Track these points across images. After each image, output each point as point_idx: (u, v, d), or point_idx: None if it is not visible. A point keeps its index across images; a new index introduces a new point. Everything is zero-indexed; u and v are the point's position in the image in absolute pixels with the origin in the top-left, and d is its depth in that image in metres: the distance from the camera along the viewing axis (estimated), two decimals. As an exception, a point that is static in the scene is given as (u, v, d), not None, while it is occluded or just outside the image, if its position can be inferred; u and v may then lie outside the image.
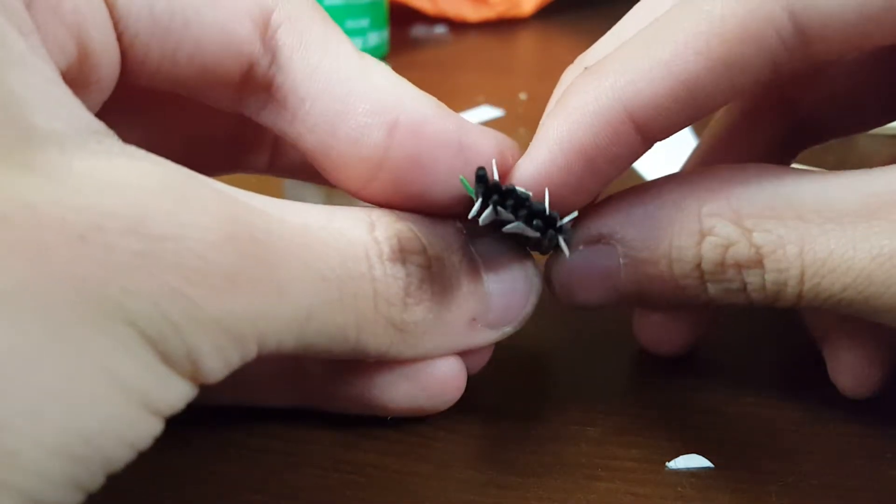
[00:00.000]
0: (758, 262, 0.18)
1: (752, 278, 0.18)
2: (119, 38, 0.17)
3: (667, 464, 0.19)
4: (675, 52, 0.17)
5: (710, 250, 0.18)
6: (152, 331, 0.13)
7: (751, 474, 0.19)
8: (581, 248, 0.19)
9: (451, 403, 0.20)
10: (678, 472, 0.19)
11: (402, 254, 0.18)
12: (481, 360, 0.20)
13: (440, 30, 0.69)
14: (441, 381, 0.19)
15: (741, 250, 0.18)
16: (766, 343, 0.25)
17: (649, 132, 0.18)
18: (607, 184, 0.19)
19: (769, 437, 0.20)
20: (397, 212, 0.19)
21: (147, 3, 0.17)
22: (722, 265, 0.18)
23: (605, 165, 0.18)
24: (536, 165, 0.18)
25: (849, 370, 0.21)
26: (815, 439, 0.20)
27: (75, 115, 0.14)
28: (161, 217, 0.13)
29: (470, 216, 0.18)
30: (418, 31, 0.69)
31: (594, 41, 0.23)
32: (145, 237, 0.13)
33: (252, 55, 0.18)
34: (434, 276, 0.18)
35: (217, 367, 0.14)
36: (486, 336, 0.20)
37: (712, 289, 0.19)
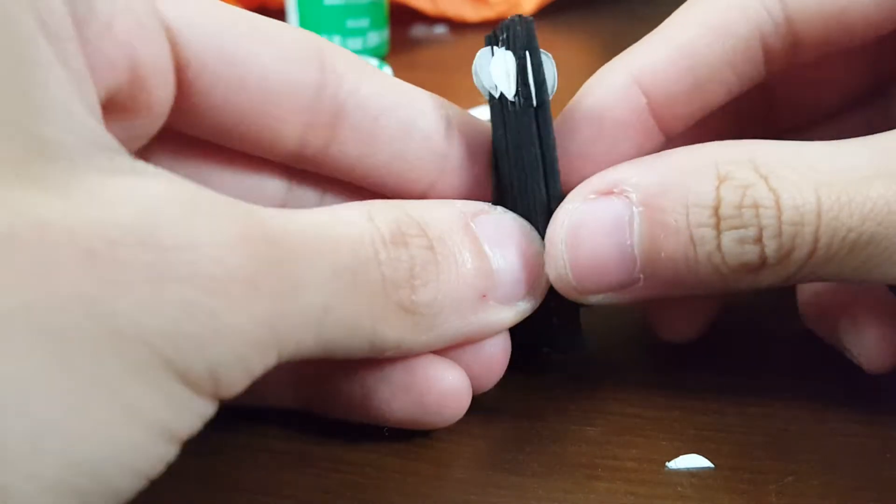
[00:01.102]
0: (775, 202, 0.17)
1: (768, 220, 0.17)
2: (183, 65, 0.18)
3: (667, 464, 0.19)
4: (671, 23, 0.21)
5: (729, 191, 0.18)
6: (170, 349, 0.12)
7: (751, 474, 0.19)
8: (592, 196, 0.19)
9: (452, 420, 0.20)
10: (678, 472, 0.19)
11: (403, 237, 0.18)
12: (492, 375, 0.20)
13: (440, 30, 0.69)
14: (441, 394, 0.19)
15: (759, 192, 0.17)
16: (767, 343, 0.25)
17: (657, 100, 0.20)
18: (625, 156, 0.20)
19: (769, 437, 0.20)
20: (395, 200, 0.19)
21: (210, 34, 0.18)
22: (740, 207, 0.18)
23: (618, 130, 0.20)
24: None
25: (873, 342, 0.21)
26: (815, 439, 0.20)
27: (88, 128, 0.14)
28: (173, 226, 0.13)
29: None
30: (418, 31, 0.69)
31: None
32: (157, 248, 0.13)
33: (317, 81, 0.19)
34: (438, 257, 0.18)
35: (239, 379, 0.14)
36: (502, 314, 0.19)
37: (727, 240, 0.18)
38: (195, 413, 0.13)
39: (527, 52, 0.20)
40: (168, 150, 0.19)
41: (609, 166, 0.20)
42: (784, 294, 0.24)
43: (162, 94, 0.18)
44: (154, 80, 0.17)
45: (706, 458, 0.19)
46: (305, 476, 0.19)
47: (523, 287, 0.19)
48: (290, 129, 0.19)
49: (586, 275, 0.19)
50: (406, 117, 0.20)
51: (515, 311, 0.20)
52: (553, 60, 0.20)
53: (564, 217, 0.19)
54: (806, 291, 0.23)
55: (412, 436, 0.20)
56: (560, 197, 0.20)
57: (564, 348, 0.21)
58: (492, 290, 0.19)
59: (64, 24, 0.15)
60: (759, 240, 0.18)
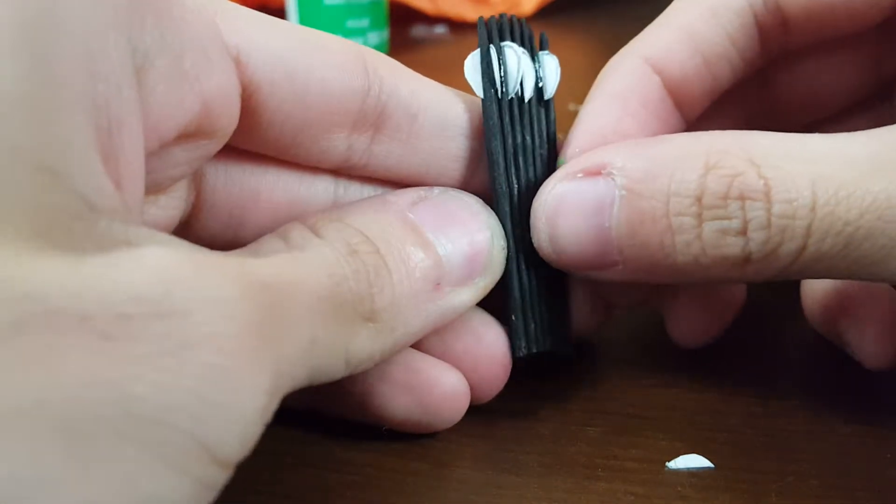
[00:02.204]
0: (765, 194, 0.17)
1: (755, 212, 0.17)
2: (250, 89, 0.18)
3: (667, 464, 0.19)
4: (673, 8, 0.22)
5: (714, 181, 0.17)
6: (195, 425, 0.12)
7: (751, 474, 0.19)
8: (579, 175, 0.19)
9: (451, 423, 0.20)
10: (678, 472, 0.19)
11: (353, 248, 0.18)
12: (494, 384, 0.20)
13: (440, 30, 0.69)
14: (442, 395, 0.19)
15: (749, 180, 0.17)
16: (767, 343, 0.25)
17: (672, 81, 0.21)
18: (651, 134, 0.21)
19: (769, 437, 0.20)
20: (331, 211, 0.19)
21: (275, 55, 0.18)
22: (725, 197, 0.17)
23: (640, 107, 0.21)
24: (584, 115, 0.21)
25: (874, 338, 0.21)
26: (815, 439, 0.20)
27: (98, 192, 0.13)
28: (184, 291, 0.12)
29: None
30: (418, 31, 0.69)
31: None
32: (172, 315, 0.12)
33: (365, 86, 0.19)
34: (386, 259, 0.18)
35: (257, 435, 0.13)
36: (461, 297, 0.19)
37: (707, 231, 0.18)
38: (217, 486, 0.13)
39: (489, 48, 0.21)
40: (220, 158, 0.19)
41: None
42: (784, 293, 0.24)
43: (228, 121, 0.18)
44: (222, 110, 0.17)
45: (706, 458, 0.19)
46: (305, 476, 0.19)
47: (477, 264, 0.19)
48: (341, 134, 0.20)
49: (564, 252, 0.19)
50: (442, 115, 0.20)
51: (475, 289, 0.19)
52: (556, 58, 0.21)
53: (549, 192, 0.19)
54: (809, 287, 0.23)
55: (412, 436, 0.20)
56: (525, 187, 0.20)
57: (552, 356, 0.21)
58: (444, 277, 0.19)
59: (116, 66, 0.14)
60: (743, 232, 0.17)
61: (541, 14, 0.73)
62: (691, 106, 0.22)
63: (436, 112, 0.20)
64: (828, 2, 0.21)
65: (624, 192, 0.18)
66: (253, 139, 0.19)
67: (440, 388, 0.19)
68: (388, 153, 0.20)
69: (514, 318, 0.20)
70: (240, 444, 0.13)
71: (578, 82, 0.22)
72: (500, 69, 0.20)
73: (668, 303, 0.23)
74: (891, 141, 0.17)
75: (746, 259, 0.18)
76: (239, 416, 0.13)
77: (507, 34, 0.21)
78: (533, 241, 0.20)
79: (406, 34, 0.66)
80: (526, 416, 0.21)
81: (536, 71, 0.21)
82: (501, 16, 0.22)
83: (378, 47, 0.56)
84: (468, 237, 0.19)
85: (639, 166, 0.18)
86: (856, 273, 0.17)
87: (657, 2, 0.22)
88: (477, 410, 0.21)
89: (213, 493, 0.13)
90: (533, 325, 0.20)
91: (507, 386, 0.21)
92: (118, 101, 0.14)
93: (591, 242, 0.19)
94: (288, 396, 0.20)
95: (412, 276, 0.18)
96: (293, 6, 0.54)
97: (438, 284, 0.19)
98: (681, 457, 0.19)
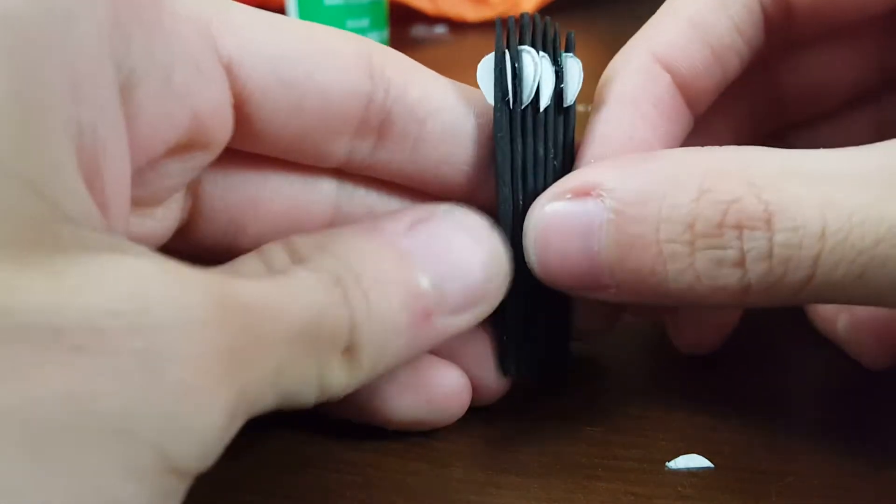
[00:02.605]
0: (766, 222, 0.16)
1: (754, 243, 0.16)
2: (242, 98, 0.17)
3: (667, 464, 0.19)
4: (681, 1, 0.21)
5: (708, 207, 0.16)
6: (160, 437, 0.12)
7: (751, 474, 0.19)
8: (568, 196, 0.18)
9: (453, 419, 0.20)
10: (678, 472, 0.19)
11: (337, 282, 0.17)
12: (493, 391, 0.20)
13: (440, 30, 0.69)
14: (446, 394, 0.19)
15: (747, 207, 0.16)
16: (767, 343, 0.25)
17: (680, 75, 0.21)
18: (674, 137, 0.21)
19: (769, 437, 0.20)
20: (317, 237, 0.18)
21: (270, 62, 0.17)
22: (720, 226, 0.16)
23: (651, 109, 0.20)
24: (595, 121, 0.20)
25: (873, 339, 0.21)
26: (815, 439, 0.20)
27: (78, 205, 0.13)
28: (160, 307, 0.12)
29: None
30: (418, 31, 0.69)
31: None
32: (146, 331, 0.12)
33: (369, 91, 0.19)
34: (369, 293, 0.17)
35: (218, 452, 0.14)
36: (455, 323, 0.18)
37: (700, 261, 0.17)
38: (179, 496, 0.13)
39: (505, 53, 0.19)
40: (218, 165, 0.19)
41: (645, 148, 0.20)
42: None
43: (221, 132, 0.17)
44: (214, 122, 0.17)
45: (706, 458, 0.19)
46: (305, 476, 0.19)
47: (473, 294, 0.18)
48: (341, 139, 0.19)
49: (554, 275, 0.19)
50: (453, 121, 0.20)
51: (471, 316, 0.19)
52: (579, 62, 0.20)
53: (538, 214, 0.19)
54: None
55: (412, 436, 0.20)
56: (529, 195, 0.19)
57: (549, 373, 0.22)
58: (437, 307, 0.18)
59: (101, 82, 0.14)
60: (741, 263, 0.16)
61: (540, 14, 0.73)
62: (700, 100, 0.22)
63: (445, 118, 0.20)
64: None
65: (612, 216, 0.17)
66: (250, 145, 0.19)
67: (443, 386, 0.19)
68: (392, 158, 0.20)
69: (504, 338, 0.20)
70: (198, 458, 0.13)
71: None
72: (514, 78, 0.19)
73: (669, 312, 0.23)
74: None
75: (745, 290, 0.17)
76: (200, 432, 0.13)
77: (528, 36, 0.20)
78: (526, 260, 0.19)
79: (406, 34, 0.66)
80: (526, 416, 0.21)
81: (558, 75, 0.20)
82: (523, 15, 0.20)
83: (378, 47, 0.56)
84: (466, 266, 0.18)
85: (629, 188, 0.17)
86: (871, 301, 0.16)
87: (657, 2, 0.22)
88: (477, 410, 0.21)
89: (178, 501, 0.13)
90: (525, 347, 0.20)
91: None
92: (102, 122, 0.14)
93: (579, 266, 0.18)
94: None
95: (397, 310, 0.17)
96: (293, 6, 0.54)
97: (429, 315, 0.18)
98: (681, 457, 0.19)
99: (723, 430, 0.20)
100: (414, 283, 0.18)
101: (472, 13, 0.70)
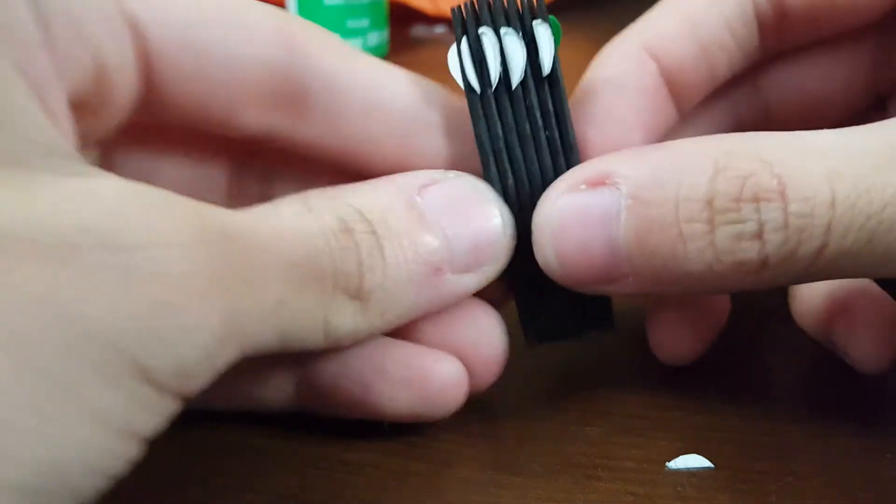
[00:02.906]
0: (780, 194, 0.16)
1: (771, 213, 0.16)
2: (147, 60, 0.18)
3: (667, 464, 0.19)
4: None
5: (724, 183, 0.17)
6: (137, 348, 0.12)
7: (751, 474, 0.19)
8: (582, 187, 0.18)
9: (450, 412, 0.20)
10: (678, 472, 0.19)
11: (346, 225, 0.17)
12: (491, 371, 0.20)
13: (440, 30, 0.69)
14: (441, 386, 0.19)
15: (762, 180, 0.16)
16: (767, 344, 0.25)
17: (668, 67, 0.21)
18: (656, 127, 0.21)
19: (769, 437, 0.20)
20: (333, 188, 0.19)
21: (176, 24, 0.18)
22: (737, 200, 0.17)
23: (634, 94, 0.21)
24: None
25: (866, 343, 0.21)
26: (815, 439, 0.20)
27: (45, 134, 0.14)
28: (134, 227, 0.13)
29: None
30: (418, 31, 0.69)
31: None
32: (121, 249, 0.13)
33: (283, 62, 0.19)
34: (381, 241, 0.18)
35: (203, 375, 0.14)
36: (463, 282, 0.19)
37: (720, 237, 0.17)
38: (160, 412, 0.13)
39: (462, 40, 0.20)
40: (118, 145, 0.19)
41: (629, 136, 0.20)
42: (784, 294, 0.24)
43: (126, 91, 0.18)
44: (119, 78, 0.17)
45: (706, 458, 0.19)
46: (305, 476, 0.19)
47: (484, 252, 0.19)
48: (253, 111, 0.19)
49: (573, 267, 0.19)
50: (372, 97, 0.20)
51: (479, 276, 0.19)
52: (548, 28, 0.20)
53: (552, 205, 0.19)
54: (799, 293, 0.23)
55: (412, 436, 0.20)
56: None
57: (593, 330, 0.21)
58: (448, 263, 0.19)
59: (27, 28, 0.15)
60: (759, 235, 0.17)
61: None
62: (685, 96, 0.22)
63: (365, 94, 0.20)
64: None
65: (630, 202, 0.18)
66: (154, 110, 0.19)
67: (439, 378, 0.19)
68: (310, 133, 0.20)
69: (519, 309, 0.20)
70: (177, 374, 0.13)
71: (577, 82, 0.22)
72: (474, 62, 0.19)
73: (650, 322, 0.23)
74: None
75: (763, 263, 0.17)
76: (178, 346, 0.13)
77: (488, 15, 0.20)
78: (537, 257, 0.19)
79: (406, 34, 0.66)
80: (526, 416, 0.21)
81: (530, 46, 0.20)
82: None
83: (378, 47, 0.56)
84: (477, 224, 0.19)
85: (644, 173, 0.18)
86: (880, 269, 0.17)
87: (657, 2, 0.22)
88: (477, 410, 0.21)
89: (150, 416, 0.13)
90: (542, 315, 0.20)
91: (506, 386, 0.21)
92: (39, 63, 0.15)
93: (600, 257, 0.18)
94: (287, 398, 0.20)
95: (410, 261, 0.18)
96: (293, 6, 0.54)
97: (440, 270, 0.18)
98: (681, 457, 0.19)
99: (723, 430, 0.20)
100: (427, 237, 0.18)
101: (472, 13, 0.70)
